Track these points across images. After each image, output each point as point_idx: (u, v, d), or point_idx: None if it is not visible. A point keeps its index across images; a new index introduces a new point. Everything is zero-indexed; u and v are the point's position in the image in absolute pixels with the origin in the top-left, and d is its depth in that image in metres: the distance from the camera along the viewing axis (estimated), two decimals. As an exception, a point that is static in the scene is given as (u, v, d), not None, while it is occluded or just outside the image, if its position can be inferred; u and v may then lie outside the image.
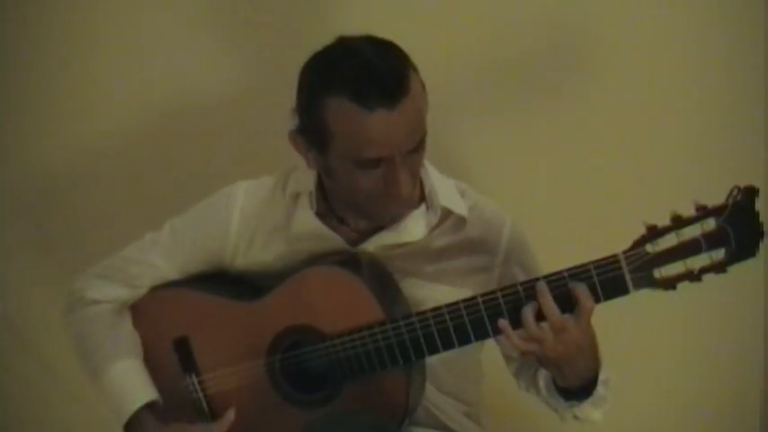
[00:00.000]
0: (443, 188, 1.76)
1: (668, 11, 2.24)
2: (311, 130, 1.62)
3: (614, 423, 2.37)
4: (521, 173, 2.32)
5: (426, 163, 1.74)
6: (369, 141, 1.55)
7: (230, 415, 1.73)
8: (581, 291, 1.51)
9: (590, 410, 1.68)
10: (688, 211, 1.45)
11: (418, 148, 1.60)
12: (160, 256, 1.81)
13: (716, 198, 2.20)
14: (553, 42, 2.25)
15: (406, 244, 1.73)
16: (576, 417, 1.71)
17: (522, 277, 1.74)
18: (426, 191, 1.74)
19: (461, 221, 1.75)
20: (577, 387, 1.64)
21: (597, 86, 2.27)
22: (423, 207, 1.74)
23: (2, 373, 2.49)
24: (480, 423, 1.89)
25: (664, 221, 1.48)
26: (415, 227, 1.72)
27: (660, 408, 2.42)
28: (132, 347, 1.80)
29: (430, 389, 1.76)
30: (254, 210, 1.79)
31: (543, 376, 1.74)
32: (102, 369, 1.77)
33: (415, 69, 1.59)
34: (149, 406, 1.75)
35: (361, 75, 1.53)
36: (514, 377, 1.87)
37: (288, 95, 2.26)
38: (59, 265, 2.42)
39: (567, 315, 1.53)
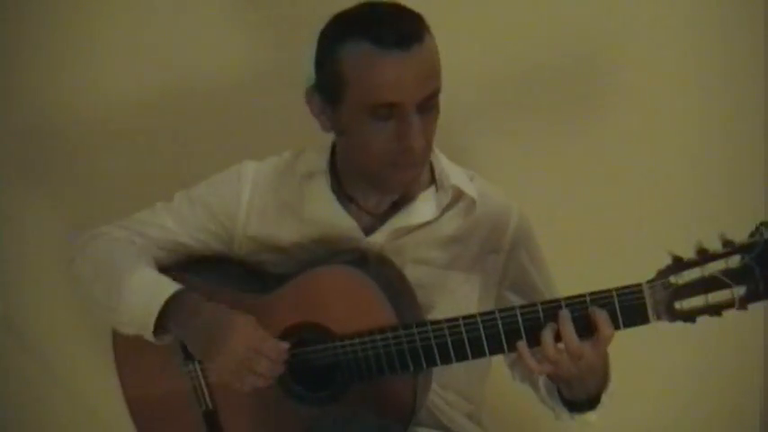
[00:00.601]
0: (453, 171, 1.78)
1: (673, 18, 2.25)
2: (327, 82, 1.63)
3: (614, 423, 2.40)
4: (529, 180, 2.31)
5: (435, 149, 1.76)
6: (383, 83, 1.56)
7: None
8: (601, 318, 1.51)
9: (587, 414, 1.70)
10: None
11: (431, 106, 1.61)
12: (173, 220, 1.82)
13: (718, 199, 2.25)
14: (558, 51, 2.25)
15: (417, 228, 1.74)
16: (571, 417, 1.73)
17: (528, 263, 1.79)
18: (437, 173, 1.76)
19: (472, 204, 1.77)
20: (582, 400, 1.66)
21: (602, 94, 2.28)
22: (433, 188, 1.76)
23: (2, 373, 2.49)
24: (482, 424, 1.90)
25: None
26: (425, 207, 1.74)
27: (660, 408, 2.44)
28: (153, 262, 1.79)
29: (434, 388, 1.76)
30: (265, 184, 1.81)
31: (544, 379, 1.75)
32: (129, 272, 1.72)
33: (430, 32, 1.62)
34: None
35: (378, 19, 1.58)
36: (509, 368, 1.88)
37: (289, 96, 2.26)
38: (60, 265, 2.36)
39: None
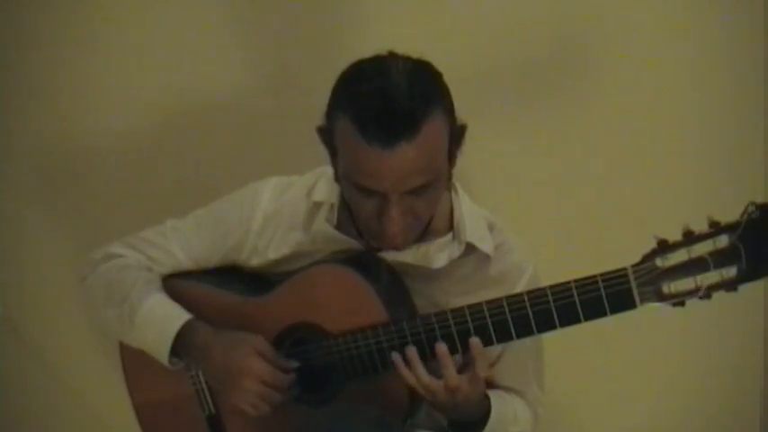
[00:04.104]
0: (473, 221, 1.72)
1: (670, 14, 2.25)
2: (326, 136, 1.60)
3: (615, 423, 2.41)
4: (519, 177, 2.33)
5: (460, 191, 1.73)
6: (362, 171, 1.52)
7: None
8: (478, 355, 1.54)
9: None
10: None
11: (422, 191, 1.54)
12: (180, 246, 1.82)
13: (717, 199, 2.25)
14: (554, 45, 2.25)
15: (422, 267, 1.71)
16: None
17: None
18: (455, 220, 1.72)
19: (485, 258, 1.71)
20: (462, 422, 1.66)
21: (598, 90, 2.28)
22: (449, 236, 1.72)
23: (2, 373, 2.49)
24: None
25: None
26: (436, 255, 1.70)
27: (660, 408, 2.43)
28: (162, 287, 1.79)
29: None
30: (277, 212, 1.78)
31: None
32: (139, 302, 1.73)
33: (447, 108, 1.54)
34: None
35: (370, 102, 1.49)
36: None
37: (290, 96, 2.29)
38: (60, 265, 2.41)
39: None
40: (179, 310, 1.73)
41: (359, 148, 1.49)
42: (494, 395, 1.69)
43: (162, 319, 1.72)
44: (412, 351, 1.57)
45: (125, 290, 1.76)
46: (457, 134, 1.58)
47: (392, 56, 1.56)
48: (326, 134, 1.60)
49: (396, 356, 1.58)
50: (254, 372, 1.62)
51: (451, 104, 1.57)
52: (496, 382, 1.76)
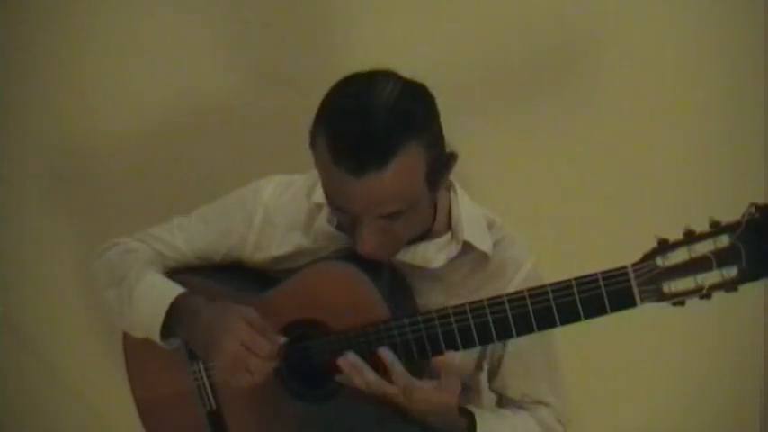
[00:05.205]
0: (471, 220, 1.72)
1: (670, 13, 2.26)
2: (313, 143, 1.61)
3: (615, 423, 2.41)
4: (520, 176, 2.33)
5: (459, 190, 1.73)
6: (334, 192, 1.54)
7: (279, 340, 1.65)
8: (387, 361, 1.58)
9: None
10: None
11: (396, 216, 1.54)
12: (185, 242, 1.83)
13: (716, 198, 2.25)
14: (554, 45, 2.25)
15: (421, 267, 1.71)
16: None
17: None
18: (453, 221, 1.72)
19: (484, 257, 1.71)
20: None
21: (598, 89, 2.28)
22: (448, 236, 1.72)
23: (2, 373, 2.49)
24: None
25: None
26: (434, 255, 1.70)
27: (660, 408, 2.44)
28: (162, 269, 1.80)
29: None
30: (279, 210, 1.79)
31: None
32: (137, 279, 1.73)
33: (428, 137, 1.52)
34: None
35: (346, 124, 1.49)
36: None
37: (289, 96, 2.29)
38: (60, 265, 2.42)
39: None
40: (176, 286, 1.73)
41: (330, 169, 1.51)
42: (489, 413, 1.70)
43: (159, 292, 1.72)
44: (352, 357, 1.59)
45: (126, 269, 1.77)
46: (441, 163, 1.57)
47: (385, 75, 1.54)
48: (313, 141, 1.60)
49: (341, 360, 1.60)
50: (233, 331, 1.58)
51: (436, 133, 1.55)
52: (506, 394, 1.77)
